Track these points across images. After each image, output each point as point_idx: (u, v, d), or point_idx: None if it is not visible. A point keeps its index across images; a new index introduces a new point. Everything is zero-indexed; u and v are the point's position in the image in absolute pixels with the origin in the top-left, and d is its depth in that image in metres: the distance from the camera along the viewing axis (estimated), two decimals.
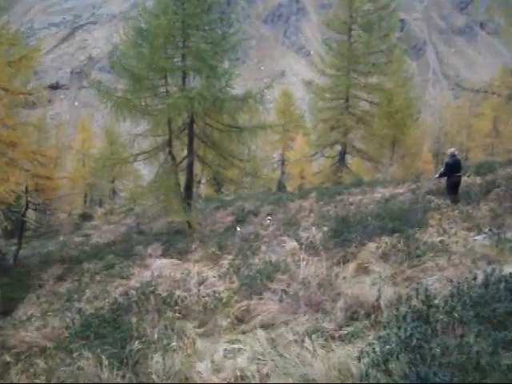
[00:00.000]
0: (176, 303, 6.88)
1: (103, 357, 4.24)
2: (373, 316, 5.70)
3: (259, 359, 5.06)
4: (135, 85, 17.97)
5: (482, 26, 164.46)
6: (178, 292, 7.71)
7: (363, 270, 7.79)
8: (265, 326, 6.22)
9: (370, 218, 10.40)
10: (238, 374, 4.75)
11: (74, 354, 4.54)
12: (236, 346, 5.72)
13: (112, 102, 18.10)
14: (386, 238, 8.54)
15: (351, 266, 7.77)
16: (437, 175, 14.60)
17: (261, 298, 6.87)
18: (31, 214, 34.58)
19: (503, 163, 20.94)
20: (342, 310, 5.99)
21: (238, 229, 15.54)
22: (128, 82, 18.03)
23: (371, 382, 3.06)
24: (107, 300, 7.42)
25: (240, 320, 6.56)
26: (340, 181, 31.44)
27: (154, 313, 6.70)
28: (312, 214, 17.61)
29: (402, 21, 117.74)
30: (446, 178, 13.91)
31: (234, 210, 23.65)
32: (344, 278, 7.04)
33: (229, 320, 6.55)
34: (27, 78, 16.37)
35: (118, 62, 17.90)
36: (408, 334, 3.10)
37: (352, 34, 32.91)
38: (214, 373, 4.97)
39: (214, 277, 9.13)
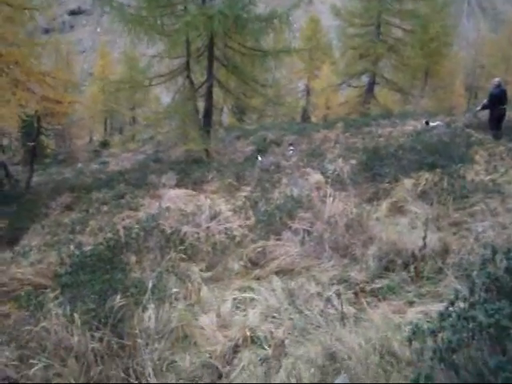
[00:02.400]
0: (182, 241, 5.98)
1: (75, 315, 3.36)
2: (412, 267, 4.77)
3: (274, 317, 4.18)
4: (150, 1, 16.51)
5: None
6: (186, 228, 6.82)
7: (398, 210, 6.79)
8: (283, 272, 5.34)
9: (403, 150, 9.28)
10: (248, 333, 3.89)
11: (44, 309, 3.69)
12: (248, 295, 4.86)
13: (126, 21, 16.73)
14: (425, 174, 7.45)
15: (384, 204, 6.75)
16: (479, 107, 13.35)
17: (279, 239, 5.95)
18: (50, 141, 34.23)
19: None
20: (375, 258, 5.05)
21: (259, 158, 14.53)
22: None
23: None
24: (109, 234, 6.53)
25: (254, 263, 5.66)
26: (367, 112, 30.05)
27: (157, 251, 5.85)
28: (338, 146, 16.52)
29: None
30: (488, 110, 12.64)
31: (255, 139, 22.61)
32: (377, 218, 6.05)
33: (241, 263, 5.66)
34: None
35: None
36: (491, 320, 2.07)
37: None
38: (219, 329, 4.12)
39: (229, 211, 8.21)
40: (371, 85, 32.69)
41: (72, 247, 7.17)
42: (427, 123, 17.34)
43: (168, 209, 8.03)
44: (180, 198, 10.98)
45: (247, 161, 16.63)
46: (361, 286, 4.67)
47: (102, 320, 3.44)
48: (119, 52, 50.00)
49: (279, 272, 5.34)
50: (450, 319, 2.33)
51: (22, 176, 20.80)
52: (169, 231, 6.18)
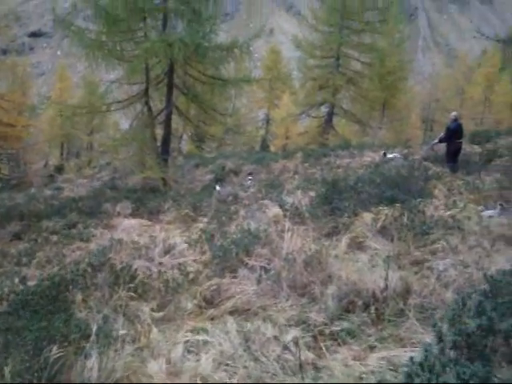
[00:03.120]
0: (132, 278, 5.65)
1: (5, 368, 3.01)
2: (373, 308, 4.58)
3: (228, 364, 3.91)
4: (110, 26, 16.23)
5: None
6: (138, 262, 6.50)
7: (358, 245, 6.62)
8: (238, 312, 5.07)
9: (362, 183, 9.21)
10: (199, 382, 3.61)
11: None
12: (201, 337, 4.55)
13: (85, 45, 16.41)
14: (384, 209, 7.34)
15: (344, 240, 6.57)
16: (436, 140, 13.56)
17: (235, 276, 5.70)
18: (2, 165, 33.18)
19: (499, 132, 20.02)
20: (335, 298, 4.84)
21: (218, 188, 14.29)
22: (103, 22, 16.26)
23: None
24: (56, 268, 6.15)
25: (209, 302, 5.37)
26: (326, 143, 30.30)
27: (105, 289, 5.50)
28: (297, 176, 16.45)
29: None
30: (445, 143, 12.82)
31: (214, 167, 22.42)
32: (336, 256, 5.87)
33: (195, 301, 5.35)
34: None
35: (91, 0, 16.03)
36: None
37: None
38: (169, 377, 3.82)
39: (185, 243, 7.92)
40: (330, 115, 33.09)
41: (16, 281, 6.76)
42: (385, 155, 17.52)
43: (120, 241, 7.67)
44: (134, 228, 10.63)
45: (205, 190, 16.39)
46: (320, 328, 4.45)
47: (36, 373, 3.09)
48: (79, 76, 49.44)
49: (234, 312, 5.07)
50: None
51: None
52: (119, 267, 5.85)
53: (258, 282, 5.41)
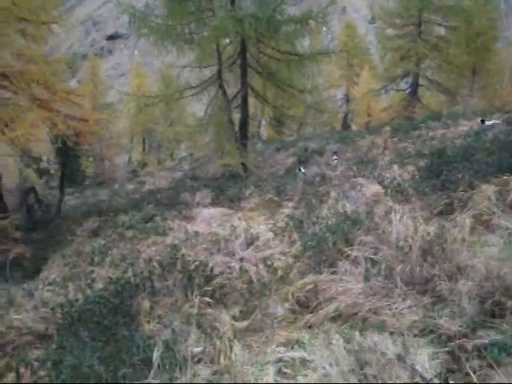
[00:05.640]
0: (209, 278, 4.67)
1: None
2: None
3: None
4: (176, 8, 15.39)
5: None
6: (216, 257, 5.54)
7: (484, 225, 5.30)
8: (343, 318, 3.97)
9: (474, 151, 7.76)
10: None
11: None
12: (297, 353, 3.52)
13: (152, 31, 15.70)
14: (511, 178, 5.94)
15: (465, 219, 5.24)
16: None
17: (335, 272, 4.57)
18: (89, 163, 33.88)
19: None
20: (472, 299, 3.62)
21: (302, 170, 13.16)
22: (168, 3, 15.45)
23: None
24: (120, 272, 5.30)
25: (304, 305, 4.31)
26: (413, 116, 28.26)
27: (178, 293, 4.56)
28: (387, 152, 15.01)
29: None
30: None
31: (296, 150, 21.26)
32: (463, 239, 4.59)
33: (287, 305, 4.31)
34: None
35: None
36: None
37: None
38: None
39: (270, 232, 6.88)
40: (414, 87, 30.97)
41: (83, 284, 6.03)
42: (483, 122, 15.79)
43: (197, 234, 6.75)
44: (215, 217, 9.77)
45: (288, 173, 15.32)
46: (458, 341, 3.26)
47: None
48: (157, 74, 49.83)
49: (337, 318, 3.99)
50: None
51: (55, 200, 20.05)
52: (193, 265, 4.88)
53: (365, 278, 4.26)
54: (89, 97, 15.76)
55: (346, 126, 41.07)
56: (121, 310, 4.19)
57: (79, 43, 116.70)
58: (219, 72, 17.17)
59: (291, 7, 17.16)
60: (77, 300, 4.86)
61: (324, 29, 17.39)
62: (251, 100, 18.88)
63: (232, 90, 18.73)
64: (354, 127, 38.91)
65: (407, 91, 32.18)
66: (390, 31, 31.96)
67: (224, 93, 17.34)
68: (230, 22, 14.32)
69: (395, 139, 17.82)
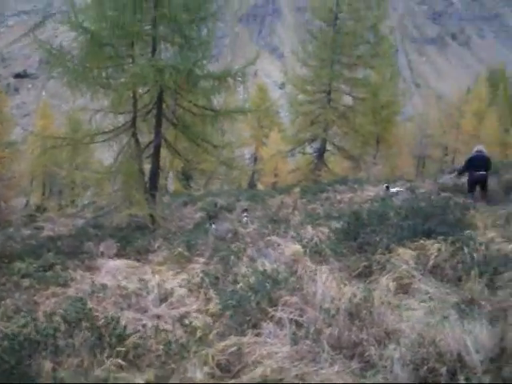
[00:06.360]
0: (120, 337, 4.23)
1: None
2: (462, 378, 3.26)
3: None
4: (95, 50, 14.98)
5: (453, 36, 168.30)
6: (127, 314, 5.09)
7: (403, 288, 5.29)
8: None
9: (389, 216, 7.92)
10: None
11: None
12: None
13: (67, 71, 15.12)
14: (428, 243, 6.04)
15: (388, 282, 5.21)
16: (455, 172, 12.60)
17: (258, 334, 4.31)
18: None
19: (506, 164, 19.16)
20: (406, 365, 3.49)
21: (213, 225, 12.91)
22: (87, 45, 15.00)
23: None
24: (15, 326, 4.69)
25: (225, 370, 3.97)
26: (319, 180, 29.14)
27: (84, 354, 4.08)
28: (297, 212, 15.15)
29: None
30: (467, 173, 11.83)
31: (204, 205, 21.04)
32: (389, 303, 4.51)
33: (206, 369, 3.95)
34: None
35: (75, 21, 14.75)
36: None
37: (338, 23, 30.55)
38: None
39: (182, 287, 6.51)
40: (321, 152, 32.12)
41: None
42: (388, 188, 16.55)
43: (104, 287, 6.25)
44: (121, 270, 9.19)
45: (197, 228, 14.99)
46: None
47: None
48: (64, 117, 48.29)
49: None
50: None
51: None
52: (102, 321, 4.42)
53: (293, 340, 4.03)
54: None
55: (252, 184, 41.71)
56: (17, 371, 3.65)
57: None
58: (134, 120, 16.78)
59: (210, 64, 17.34)
60: None
61: (242, 87, 17.59)
62: (162, 151, 18.55)
63: (144, 139, 18.35)
64: (260, 186, 39.54)
65: (314, 155, 33.25)
66: (301, 97, 33.24)
67: (137, 141, 16.89)
68: (151, 70, 14.09)
69: (304, 200, 18.15)
